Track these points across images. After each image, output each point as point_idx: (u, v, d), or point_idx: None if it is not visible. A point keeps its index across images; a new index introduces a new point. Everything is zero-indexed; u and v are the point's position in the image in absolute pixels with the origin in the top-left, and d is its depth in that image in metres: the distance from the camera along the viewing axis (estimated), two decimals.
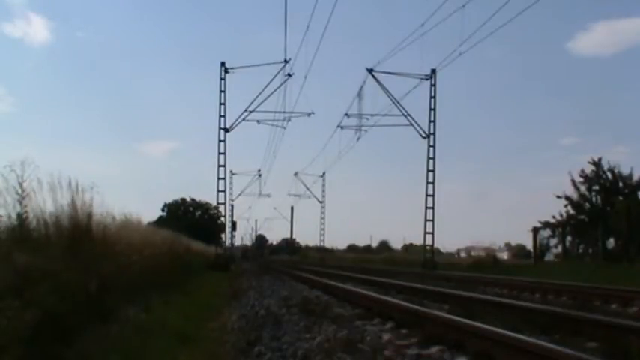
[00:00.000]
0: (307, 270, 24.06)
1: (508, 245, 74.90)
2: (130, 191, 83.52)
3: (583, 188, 32.75)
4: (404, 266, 32.30)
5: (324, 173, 55.88)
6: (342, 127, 33.14)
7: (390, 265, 34.85)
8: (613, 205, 30.71)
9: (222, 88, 31.33)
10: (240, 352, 5.51)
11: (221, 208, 33.50)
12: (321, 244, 62.74)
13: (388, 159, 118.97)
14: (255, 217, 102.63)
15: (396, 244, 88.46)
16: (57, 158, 70.39)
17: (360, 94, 30.11)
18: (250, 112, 31.55)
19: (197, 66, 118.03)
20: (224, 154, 31.49)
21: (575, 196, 32.82)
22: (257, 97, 31.09)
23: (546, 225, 32.90)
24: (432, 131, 30.04)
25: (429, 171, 29.86)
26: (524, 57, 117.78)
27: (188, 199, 66.99)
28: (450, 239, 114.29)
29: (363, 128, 32.39)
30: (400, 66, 45.34)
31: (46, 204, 7.23)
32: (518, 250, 64.83)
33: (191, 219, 60.50)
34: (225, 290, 14.71)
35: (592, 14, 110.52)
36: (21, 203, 6.79)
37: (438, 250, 52.09)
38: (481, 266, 28.77)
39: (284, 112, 32.34)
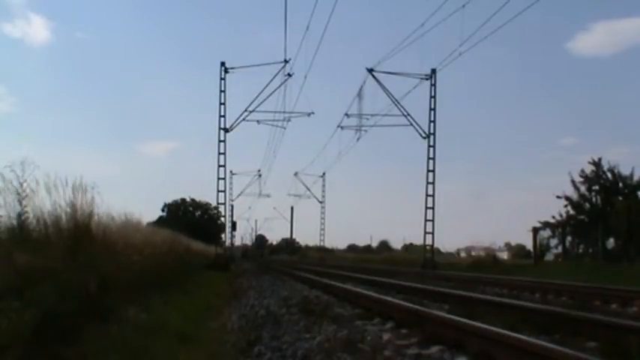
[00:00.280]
0: (307, 270, 24.05)
1: (508, 245, 74.89)
2: (130, 191, 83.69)
3: (583, 188, 32.74)
4: (404, 266, 32.27)
5: (324, 173, 56.00)
6: (342, 127, 33.22)
7: (390, 265, 34.81)
8: (613, 205, 30.68)
9: (222, 88, 31.38)
10: (240, 352, 5.51)
11: (221, 208, 33.58)
12: (321, 244, 62.85)
13: (388, 159, 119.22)
14: (255, 217, 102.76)
15: (396, 244, 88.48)
16: (57, 158, 70.44)
17: (360, 94, 30.16)
18: (250, 112, 31.61)
19: (197, 66, 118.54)
20: (224, 154, 31.54)
21: (575, 196, 32.81)
22: (257, 97, 31.16)
23: (546, 225, 32.86)
24: (432, 131, 30.10)
25: (428, 171, 29.89)
26: (524, 57, 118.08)
27: (188, 199, 67.01)
28: (450, 239, 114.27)
29: (363, 128, 32.46)
30: (400, 66, 45.52)
31: (46, 204, 7.24)
32: (518, 250, 64.81)
33: (191, 219, 60.46)
34: (225, 290, 14.72)
35: (592, 14, 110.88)
36: (21, 203, 6.79)
37: (438, 250, 52.08)
38: (481, 266, 28.74)
39: (284, 112, 32.42)
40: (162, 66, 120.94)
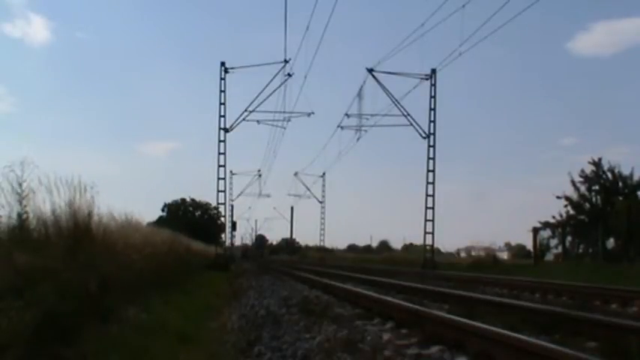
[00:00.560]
0: (307, 270, 24.05)
1: (508, 245, 74.83)
2: (130, 191, 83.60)
3: (583, 188, 32.76)
4: (404, 266, 32.27)
5: (324, 173, 55.97)
6: (342, 127, 33.21)
7: (390, 265, 34.81)
8: (613, 205, 30.69)
9: (222, 88, 31.38)
10: (240, 352, 5.51)
11: (221, 208, 33.57)
12: (321, 244, 62.82)
13: (388, 159, 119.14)
14: (255, 217, 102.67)
15: (396, 244, 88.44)
16: (57, 158, 70.43)
17: (360, 94, 30.15)
18: (250, 112, 31.59)
19: (197, 66, 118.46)
20: (224, 154, 31.54)
21: (575, 196, 32.82)
22: (257, 97, 31.14)
23: (546, 225, 32.87)
24: (432, 131, 30.08)
25: (428, 171, 29.88)
26: (524, 57, 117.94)
27: (188, 199, 67.02)
28: (450, 239, 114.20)
29: (363, 128, 32.44)
30: (400, 66, 45.53)
31: (46, 204, 7.24)
32: (518, 250, 64.76)
33: (191, 219, 60.47)
34: (225, 290, 14.72)
35: (592, 14, 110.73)
36: (21, 203, 6.79)
37: (438, 250, 52.08)
38: (481, 266, 28.74)
39: (284, 112, 32.41)
40: (162, 66, 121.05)
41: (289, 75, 28.98)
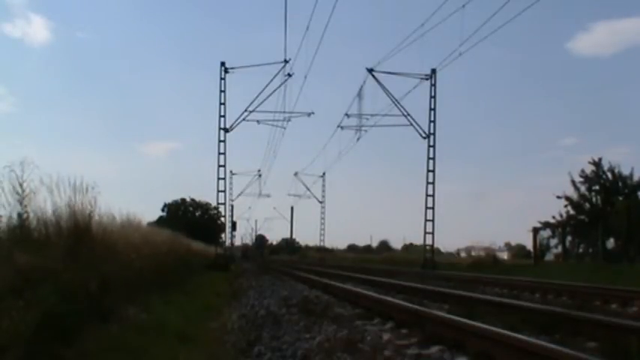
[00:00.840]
0: (307, 270, 24.05)
1: (508, 245, 74.84)
2: (130, 191, 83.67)
3: (583, 188, 32.76)
4: (404, 266, 32.28)
5: (324, 173, 55.93)
6: (342, 127, 33.21)
7: (390, 265, 34.83)
8: (613, 205, 30.69)
9: (222, 88, 31.36)
10: (240, 352, 5.51)
11: (221, 208, 33.52)
12: (321, 244, 62.78)
13: (388, 159, 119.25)
14: (255, 217, 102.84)
15: (396, 244, 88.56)
16: (57, 158, 70.49)
17: (360, 94, 30.14)
18: (250, 112, 31.58)
19: (197, 66, 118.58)
20: (224, 154, 31.52)
21: (575, 196, 32.83)
22: (257, 97, 31.12)
23: (546, 225, 32.87)
24: (432, 131, 30.07)
25: (429, 171, 29.87)
26: (524, 57, 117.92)
27: (188, 199, 67.05)
28: (450, 239, 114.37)
29: (363, 128, 32.44)
30: (400, 66, 45.53)
31: (46, 204, 7.24)
32: (518, 250, 64.74)
33: (191, 219, 60.49)
34: (225, 290, 14.72)
35: (592, 14, 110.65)
36: (21, 203, 6.79)
37: (438, 250, 52.12)
38: (481, 266, 28.76)
39: (284, 112, 32.40)
40: (162, 66, 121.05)
41: (289, 75, 29.02)
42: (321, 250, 62.36)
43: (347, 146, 53.18)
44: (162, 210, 64.90)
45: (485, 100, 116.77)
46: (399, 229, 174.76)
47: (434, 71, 29.54)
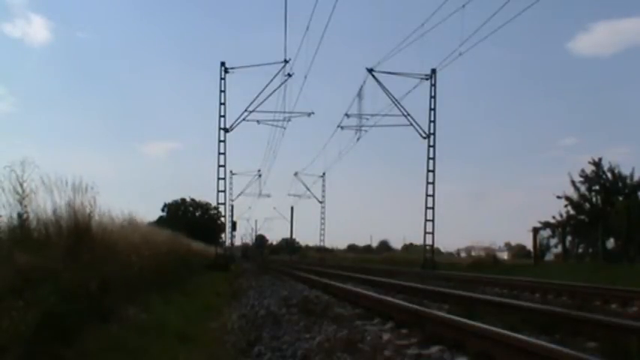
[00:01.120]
0: (307, 270, 24.06)
1: (508, 245, 74.85)
2: (130, 191, 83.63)
3: (583, 188, 32.70)
4: (404, 266, 32.29)
5: (324, 173, 55.94)
6: (342, 127, 33.21)
7: (390, 265, 34.84)
8: (613, 205, 30.65)
9: (222, 88, 31.38)
10: (240, 352, 5.51)
11: (221, 208, 33.55)
12: (321, 244, 62.78)
13: (388, 159, 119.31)
14: (255, 217, 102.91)
15: (396, 244, 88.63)
16: (57, 158, 70.48)
17: (360, 94, 30.15)
18: (250, 112, 31.60)
19: (197, 66, 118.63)
20: (224, 154, 31.54)
21: (575, 196, 32.76)
22: (257, 97, 31.14)
23: (546, 225, 32.83)
24: (432, 131, 30.08)
25: (429, 171, 29.87)
26: (524, 57, 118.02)
27: (188, 199, 66.99)
28: (450, 239, 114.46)
29: (363, 128, 32.45)
30: (400, 66, 45.52)
31: (47, 204, 7.24)
32: (518, 250, 64.76)
33: (191, 219, 60.45)
34: (225, 290, 14.71)
35: (592, 14, 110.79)
36: (21, 203, 6.78)
37: (438, 250, 52.16)
38: (481, 266, 28.75)
39: (284, 112, 32.41)
40: (162, 66, 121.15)
41: (289, 75, 29.03)
42: (321, 250, 62.36)
43: (347, 146, 53.32)
44: (162, 210, 64.92)
45: (485, 100, 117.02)
46: (399, 229, 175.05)
47: (434, 71, 29.57)
